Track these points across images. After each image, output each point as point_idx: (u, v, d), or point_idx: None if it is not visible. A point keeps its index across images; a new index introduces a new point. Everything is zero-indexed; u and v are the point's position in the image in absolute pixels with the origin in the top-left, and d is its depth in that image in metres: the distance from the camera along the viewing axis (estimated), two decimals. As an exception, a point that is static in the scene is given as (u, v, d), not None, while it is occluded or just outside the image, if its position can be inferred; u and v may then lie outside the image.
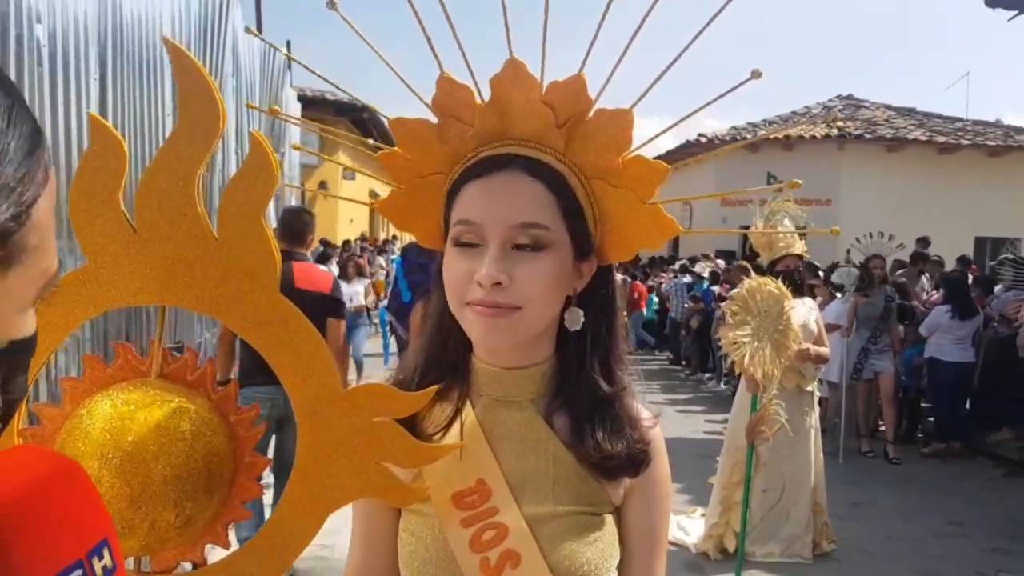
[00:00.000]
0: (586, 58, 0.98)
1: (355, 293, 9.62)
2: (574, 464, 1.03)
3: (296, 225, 4.19)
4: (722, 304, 4.24)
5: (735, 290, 4.23)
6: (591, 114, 0.99)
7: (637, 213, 1.02)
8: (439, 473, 1.02)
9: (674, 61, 0.97)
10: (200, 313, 0.92)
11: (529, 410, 1.05)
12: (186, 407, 0.89)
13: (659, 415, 1.12)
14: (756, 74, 0.95)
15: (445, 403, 1.07)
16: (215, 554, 0.99)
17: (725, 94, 0.99)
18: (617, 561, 1.05)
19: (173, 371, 0.95)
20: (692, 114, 1.04)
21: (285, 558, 0.94)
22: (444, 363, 1.09)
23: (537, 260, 0.96)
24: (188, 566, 0.97)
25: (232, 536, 1.00)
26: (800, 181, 1.07)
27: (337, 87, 1.12)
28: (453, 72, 1.00)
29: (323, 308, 3.94)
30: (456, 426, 1.05)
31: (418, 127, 1.03)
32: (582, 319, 1.03)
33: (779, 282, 4.11)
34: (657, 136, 1.05)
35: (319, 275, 4.19)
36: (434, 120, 1.02)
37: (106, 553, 0.62)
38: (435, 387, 0.97)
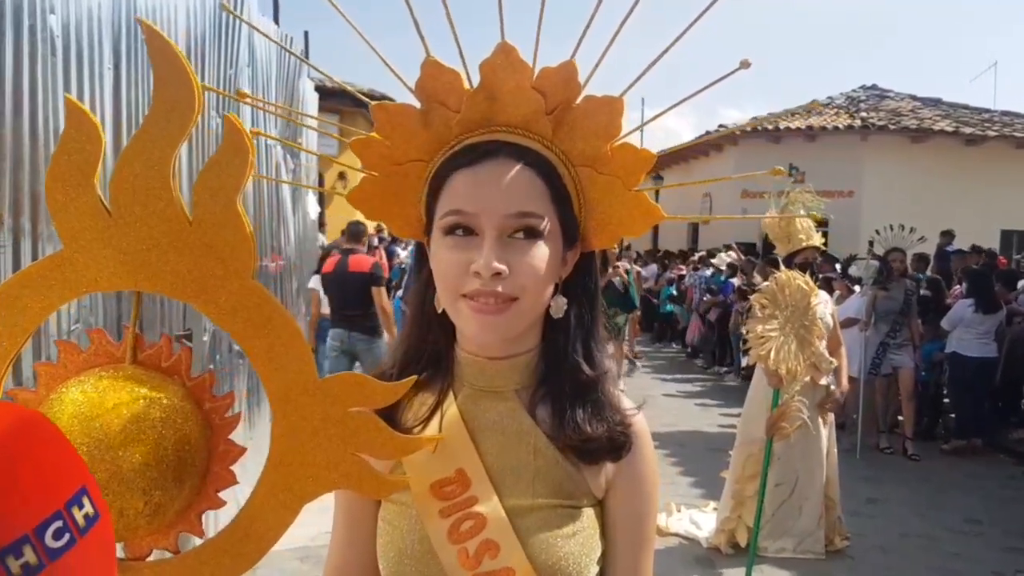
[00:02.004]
0: (578, 45, 0.96)
1: None
2: (556, 456, 1.02)
3: (356, 231, 6.73)
4: (751, 297, 4.18)
5: (764, 283, 4.18)
6: (579, 101, 0.98)
7: (622, 200, 1.01)
8: (419, 463, 1.01)
9: (665, 51, 0.96)
10: (175, 298, 0.91)
11: (512, 400, 1.05)
12: (157, 394, 0.88)
13: (643, 403, 1.10)
14: (745, 64, 0.94)
15: (427, 394, 1.06)
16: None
17: (710, 85, 0.98)
18: (598, 554, 1.03)
19: (148, 357, 0.94)
20: (673, 107, 1.03)
21: (258, 547, 0.93)
22: (425, 356, 1.08)
23: (534, 248, 0.95)
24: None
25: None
26: (782, 168, 1.05)
27: (329, 79, 1.10)
28: (444, 57, 0.98)
29: (366, 282, 6.32)
30: (437, 417, 1.04)
31: (401, 112, 1.01)
32: (565, 306, 1.03)
33: (807, 276, 4.06)
34: (640, 128, 1.04)
35: (364, 260, 6.57)
36: (417, 106, 1.01)
37: (86, 501, 0.61)
38: (413, 378, 0.96)
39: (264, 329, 0.91)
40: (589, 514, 1.03)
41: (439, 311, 1.02)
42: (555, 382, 1.04)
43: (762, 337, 3.87)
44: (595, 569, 1.03)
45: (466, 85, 0.99)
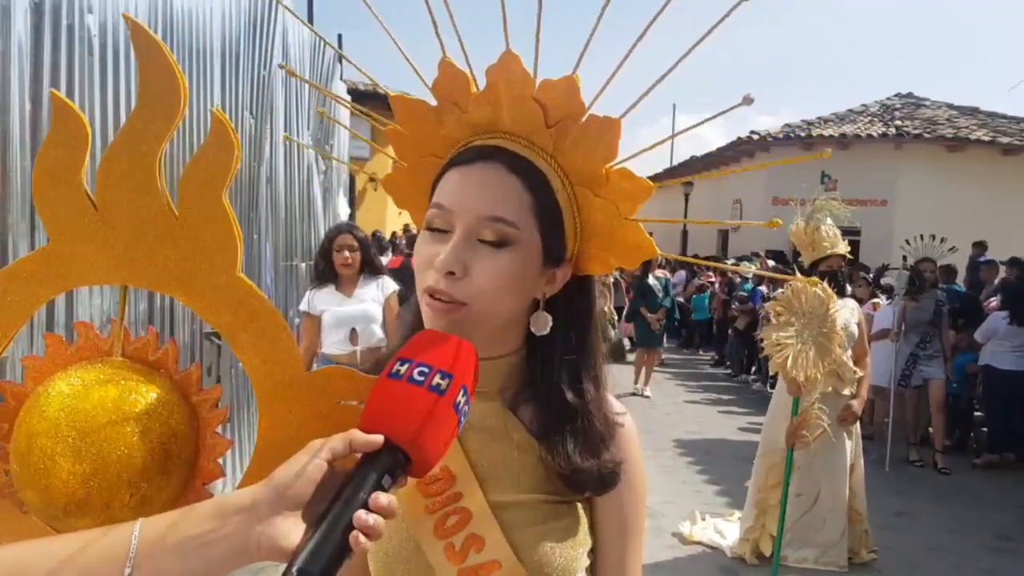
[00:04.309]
0: (580, 58, 0.96)
1: (358, 314, 4.53)
2: (539, 453, 1.02)
3: (413, 236, 8.11)
4: (766, 304, 4.14)
5: (779, 290, 4.13)
6: (584, 119, 0.98)
7: (618, 227, 1.01)
8: None
9: (669, 71, 0.94)
10: (160, 293, 0.91)
11: (495, 400, 1.05)
12: (143, 386, 0.89)
13: (627, 404, 1.09)
14: (747, 100, 0.93)
15: None
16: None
17: (709, 119, 1.00)
18: (588, 547, 1.04)
19: (135, 351, 0.95)
20: (665, 140, 1.02)
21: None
22: None
23: (497, 257, 0.94)
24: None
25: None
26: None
27: (359, 70, 1.10)
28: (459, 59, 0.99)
29: None
30: None
31: (416, 107, 1.03)
32: (549, 324, 1.02)
33: (824, 284, 4.01)
34: (640, 153, 1.03)
35: None
36: (434, 103, 1.02)
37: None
38: None
39: (251, 323, 0.91)
40: (577, 508, 1.04)
41: None
42: (539, 389, 1.04)
43: (778, 344, 3.82)
44: (585, 562, 1.03)
45: (474, 88, 1.00)
